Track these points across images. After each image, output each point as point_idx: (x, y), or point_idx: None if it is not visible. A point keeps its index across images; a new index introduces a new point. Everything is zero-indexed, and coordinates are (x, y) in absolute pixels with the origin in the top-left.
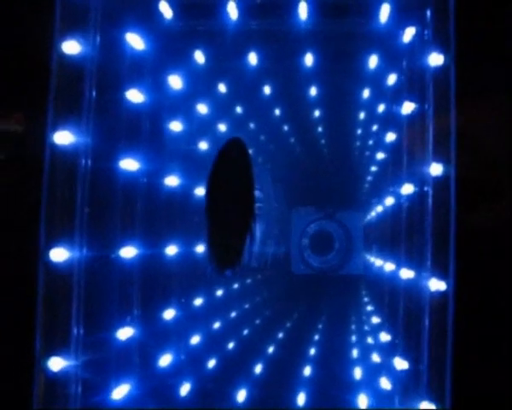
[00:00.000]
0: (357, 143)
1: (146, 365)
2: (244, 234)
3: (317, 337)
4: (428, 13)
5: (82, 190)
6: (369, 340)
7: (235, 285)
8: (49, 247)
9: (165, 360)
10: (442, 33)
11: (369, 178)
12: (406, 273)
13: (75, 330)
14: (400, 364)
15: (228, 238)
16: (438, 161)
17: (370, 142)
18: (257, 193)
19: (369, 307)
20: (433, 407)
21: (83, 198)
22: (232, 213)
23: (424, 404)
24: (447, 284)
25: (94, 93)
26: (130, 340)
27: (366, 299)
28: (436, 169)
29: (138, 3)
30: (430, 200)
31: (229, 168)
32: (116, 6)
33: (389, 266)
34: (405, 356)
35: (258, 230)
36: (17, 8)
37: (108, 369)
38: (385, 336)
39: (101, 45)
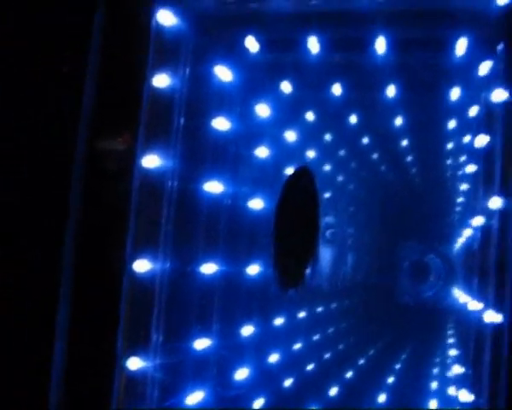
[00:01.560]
0: (448, 174)
1: (222, 376)
2: (308, 257)
3: (398, 366)
4: (500, 47)
5: (168, 208)
6: (449, 373)
7: (319, 308)
8: (134, 258)
9: (241, 374)
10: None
11: (459, 208)
12: (474, 305)
13: (154, 336)
14: (465, 396)
15: (292, 261)
16: (501, 194)
17: (460, 172)
18: (330, 219)
19: (451, 340)
20: None
21: (168, 215)
22: (298, 237)
23: None
24: (504, 316)
25: (182, 121)
26: (207, 351)
27: (450, 331)
28: (496, 202)
29: (225, 39)
30: (494, 233)
31: (298, 196)
32: (205, 42)
33: (463, 299)
34: (471, 389)
35: (327, 254)
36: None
37: (185, 376)
38: (458, 369)
39: (190, 77)
